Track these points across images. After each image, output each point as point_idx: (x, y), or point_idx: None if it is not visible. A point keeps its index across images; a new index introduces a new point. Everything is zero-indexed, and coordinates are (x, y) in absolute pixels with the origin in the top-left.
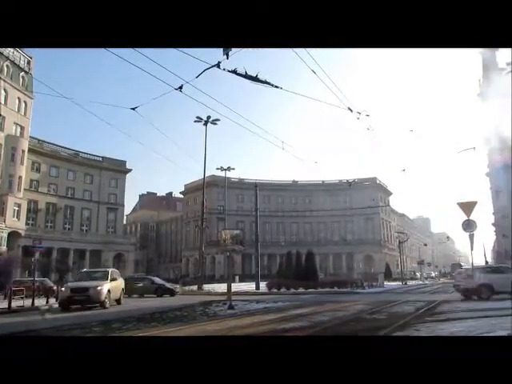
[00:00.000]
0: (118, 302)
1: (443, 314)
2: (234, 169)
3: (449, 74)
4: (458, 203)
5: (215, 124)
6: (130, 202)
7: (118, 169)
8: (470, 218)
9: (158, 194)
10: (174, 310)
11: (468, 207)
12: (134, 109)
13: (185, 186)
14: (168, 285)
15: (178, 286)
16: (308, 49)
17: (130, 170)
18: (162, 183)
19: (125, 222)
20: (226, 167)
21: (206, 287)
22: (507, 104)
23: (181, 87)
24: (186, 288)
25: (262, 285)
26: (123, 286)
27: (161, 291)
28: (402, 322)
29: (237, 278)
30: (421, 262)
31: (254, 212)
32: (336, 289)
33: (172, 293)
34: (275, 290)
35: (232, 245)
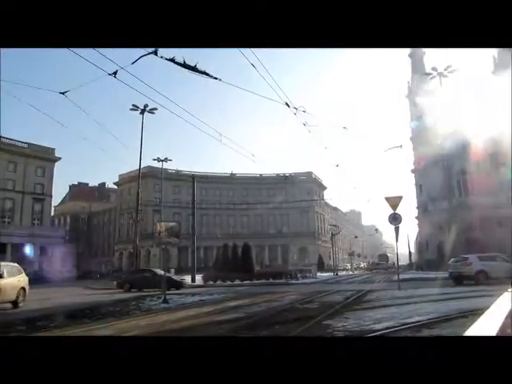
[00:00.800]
0: (15, 304)
1: (370, 302)
2: (171, 160)
3: (381, 76)
4: (386, 197)
5: (152, 113)
6: (59, 193)
7: (46, 157)
8: (396, 211)
9: (90, 185)
10: (106, 305)
11: (394, 201)
12: (63, 93)
13: (119, 176)
14: (175, 277)
15: (184, 279)
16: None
17: (59, 159)
18: (94, 173)
19: (53, 214)
20: (162, 158)
21: None
22: (432, 105)
23: (115, 73)
24: None
25: (199, 277)
26: (24, 285)
27: (167, 284)
28: (332, 310)
29: (172, 270)
30: (351, 254)
31: (190, 204)
32: (271, 280)
33: (179, 286)
34: (211, 283)
35: (167, 237)
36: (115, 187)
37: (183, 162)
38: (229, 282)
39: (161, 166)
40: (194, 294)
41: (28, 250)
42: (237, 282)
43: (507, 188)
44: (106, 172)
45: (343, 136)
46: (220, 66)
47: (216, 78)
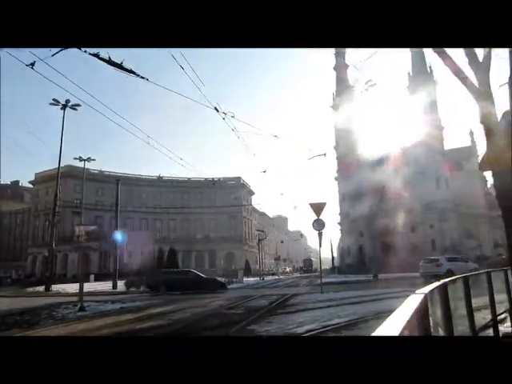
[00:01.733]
0: None
1: (294, 306)
2: (94, 160)
3: (309, 85)
4: (310, 204)
5: (75, 109)
6: None
7: None
8: (320, 217)
9: (1, 182)
10: (12, 314)
11: (318, 208)
12: None
13: (36, 174)
14: (219, 279)
15: (224, 280)
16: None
17: None
18: (6, 170)
19: None
20: (85, 157)
21: (56, 288)
22: (354, 116)
23: (33, 64)
24: (31, 289)
25: (121, 284)
26: None
27: (212, 286)
28: (257, 315)
29: (92, 277)
30: (277, 258)
31: (114, 207)
32: None
33: (224, 287)
34: (134, 289)
35: (87, 241)
36: (30, 186)
37: (108, 163)
38: None
39: (83, 166)
40: (114, 301)
41: None
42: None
43: (421, 195)
44: (20, 169)
45: (271, 143)
46: (154, 67)
47: (143, 78)
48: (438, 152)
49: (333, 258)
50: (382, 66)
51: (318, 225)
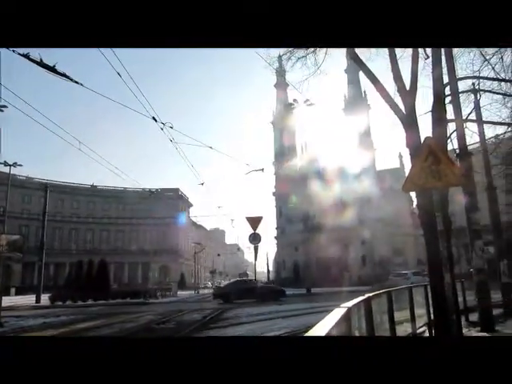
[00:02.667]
0: None
1: (227, 319)
2: (21, 165)
3: (249, 102)
4: (247, 217)
5: (1, 111)
6: None
7: None
8: (256, 231)
9: None
10: None
11: (254, 221)
12: None
13: None
14: (278, 287)
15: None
16: (116, 50)
17: None
18: None
19: None
20: (11, 162)
21: None
22: (292, 133)
23: None
24: None
25: (46, 297)
26: None
27: (272, 294)
28: (188, 330)
29: (13, 290)
30: (213, 272)
31: (42, 216)
32: (129, 299)
33: (283, 294)
34: (60, 303)
35: (8, 252)
36: None
37: (37, 169)
38: (80, 302)
39: (8, 171)
40: (36, 317)
41: None
42: (90, 301)
43: (354, 212)
44: None
45: (210, 155)
46: (90, 72)
47: (77, 82)
48: (370, 172)
49: (268, 271)
50: (320, 87)
51: (254, 239)
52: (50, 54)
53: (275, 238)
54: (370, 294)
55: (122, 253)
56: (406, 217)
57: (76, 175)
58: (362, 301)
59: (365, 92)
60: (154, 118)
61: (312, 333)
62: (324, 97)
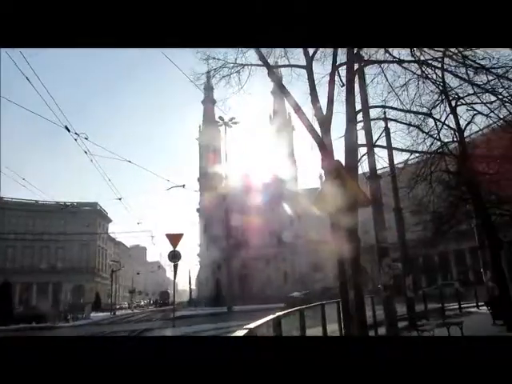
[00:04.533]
0: None
1: None
2: None
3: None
4: (166, 234)
5: None
6: None
7: None
8: (177, 248)
9: None
10: None
11: (175, 239)
12: None
13: None
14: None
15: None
16: (25, 51)
17: None
18: None
19: None
20: None
21: None
22: (218, 150)
23: None
24: None
25: None
26: None
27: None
28: None
29: None
30: (132, 291)
31: None
32: (34, 324)
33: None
34: None
35: None
36: None
37: None
38: None
39: None
40: None
41: None
42: None
43: (276, 230)
44: None
45: (130, 170)
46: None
47: None
48: (292, 191)
49: (190, 290)
50: (248, 107)
51: (174, 257)
52: None
53: (198, 255)
54: (281, 313)
55: (30, 272)
56: (325, 234)
57: None
58: (272, 319)
59: (289, 114)
60: (66, 128)
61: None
62: (251, 116)
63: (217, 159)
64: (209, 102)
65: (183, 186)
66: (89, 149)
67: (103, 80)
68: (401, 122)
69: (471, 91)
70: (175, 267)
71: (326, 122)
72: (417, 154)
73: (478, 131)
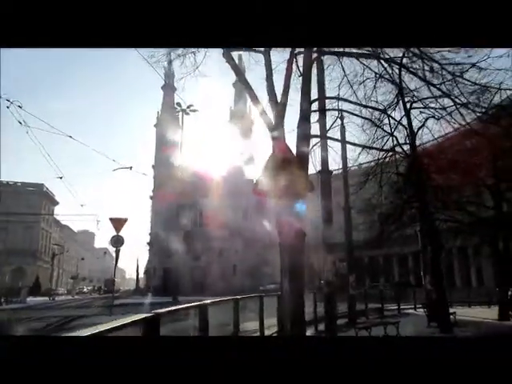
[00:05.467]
0: None
1: (73, 328)
2: None
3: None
4: (110, 218)
5: None
6: None
7: None
8: (120, 233)
9: None
10: None
11: (118, 223)
12: None
13: None
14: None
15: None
16: None
17: None
18: None
19: None
20: None
21: None
22: (176, 139)
23: None
24: None
25: None
26: None
27: None
28: None
29: None
30: (75, 277)
31: None
32: None
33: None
34: None
35: None
36: None
37: None
38: None
39: None
40: None
41: None
42: None
43: (230, 222)
44: None
45: (67, 146)
46: None
47: None
48: (247, 183)
49: (138, 278)
50: (208, 97)
51: (116, 241)
52: None
53: (148, 243)
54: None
55: None
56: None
57: None
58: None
59: (250, 106)
60: None
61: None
62: (211, 107)
63: (173, 148)
64: (169, 88)
65: (130, 168)
66: (25, 119)
67: (57, 57)
68: (356, 115)
69: (427, 94)
70: (117, 253)
71: (279, 109)
72: (370, 153)
73: (429, 141)
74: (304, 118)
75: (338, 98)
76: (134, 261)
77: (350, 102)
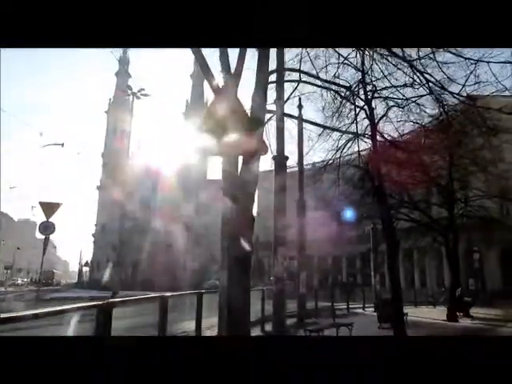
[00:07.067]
0: None
1: None
2: None
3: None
4: (40, 202)
5: None
6: None
7: None
8: (50, 219)
9: None
10: None
11: (50, 208)
12: None
13: None
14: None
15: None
16: None
17: None
18: None
19: None
20: None
21: None
22: (128, 121)
23: None
24: None
25: None
26: None
27: None
28: None
29: None
30: (9, 267)
31: None
32: None
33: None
34: None
35: None
36: None
37: None
38: None
39: None
40: None
41: None
42: None
43: (180, 217)
44: None
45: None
46: None
47: None
48: (201, 179)
49: (80, 271)
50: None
51: (46, 228)
52: None
53: (93, 235)
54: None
55: None
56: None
57: None
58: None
59: (207, 100)
60: None
61: None
62: (168, 98)
63: (124, 137)
64: (123, 73)
65: (62, 144)
66: None
67: None
68: (314, 85)
69: (389, 84)
70: (46, 240)
71: (234, 77)
72: (330, 141)
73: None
74: (260, 89)
75: (298, 71)
76: (75, 252)
77: (308, 74)
